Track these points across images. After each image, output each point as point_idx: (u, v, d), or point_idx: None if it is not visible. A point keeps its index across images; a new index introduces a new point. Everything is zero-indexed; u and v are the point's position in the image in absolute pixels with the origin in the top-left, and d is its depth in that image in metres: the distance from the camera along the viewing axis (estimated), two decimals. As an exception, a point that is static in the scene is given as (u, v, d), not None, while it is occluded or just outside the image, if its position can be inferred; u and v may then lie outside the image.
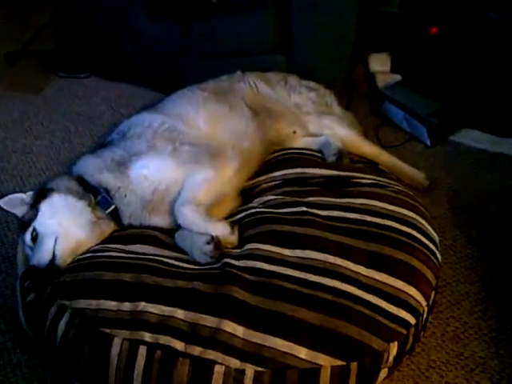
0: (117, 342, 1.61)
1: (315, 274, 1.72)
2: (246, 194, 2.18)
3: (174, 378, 1.55)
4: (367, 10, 3.09)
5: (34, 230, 1.94)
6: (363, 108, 3.18)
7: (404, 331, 1.67)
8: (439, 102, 3.07)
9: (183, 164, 2.06)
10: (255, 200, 2.10)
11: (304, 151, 2.43)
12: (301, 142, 2.52)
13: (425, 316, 1.78)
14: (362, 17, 2.93)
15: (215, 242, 1.85)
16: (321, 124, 2.58)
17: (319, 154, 2.43)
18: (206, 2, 3.04)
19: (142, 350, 1.58)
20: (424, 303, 1.76)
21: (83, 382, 1.69)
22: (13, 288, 2.09)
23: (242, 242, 1.89)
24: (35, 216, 1.97)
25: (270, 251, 1.80)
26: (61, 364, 1.75)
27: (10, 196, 2.06)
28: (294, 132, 2.55)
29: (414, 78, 3.23)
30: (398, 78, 3.31)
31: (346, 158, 2.39)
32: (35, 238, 1.94)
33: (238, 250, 1.86)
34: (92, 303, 1.70)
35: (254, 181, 2.25)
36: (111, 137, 2.28)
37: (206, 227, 1.90)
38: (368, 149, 2.58)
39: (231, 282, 1.70)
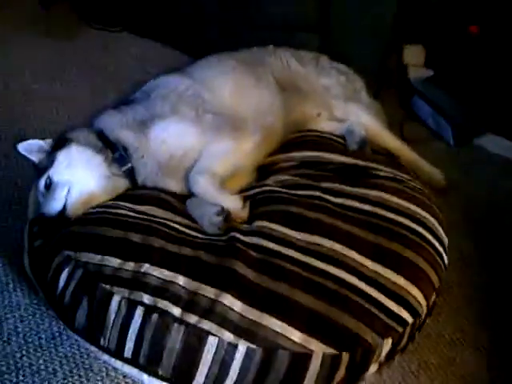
0: (116, 299, 1.62)
1: (319, 259, 1.72)
2: (263, 171, 2.17)
3: (166, 342, 1.56)
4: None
5: (49, 177, 1.95)
6: (391, 99, 3.14)
7: (400, 329, 1.67)
8: (469, 103, 3.03)
9: (204, 132, 2.05)
10: (271, 178, 2.09)
11: (326, 135, 2.41)
12: (324, 125, 2.49)
13: (423, 317, 1.78)
14: (403, 5, 2.89)
15: (225, 214, 1.85)
16: (347, 110, 2.54)
17: (341, 140, 2.40)
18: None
19: (140, 311, 1.60)
20: (424, 304, 1.75)
21: (78, 333, 1.71)
22: (21, 232, 2.11)
23: (252, 218, 1.89)
24: (51, 164, 1.97)
25: (277, 231, 1.80)
26: (58, 312, 1.77)
27: (28, 141, 2.07)
28: (319, 114, 2.52)
29: (447, 76, 3.19)
30: (430, 73, 3.27)
31: (368, 147, 2.37)
32: (49, 185, 1.94)
33: (247, 226, 1.86)
34: (96, 258, 1.71)
35: (272, 158, 2.24)
36: (136, 95, 2.28)
37: (218, 198, 1.90)
38: (390, 141, 2.54)
39: (235, 256, 1.70)
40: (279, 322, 1.56)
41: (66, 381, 1.78)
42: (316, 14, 2.90)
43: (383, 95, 3.05)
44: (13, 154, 2.11)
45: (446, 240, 1.97)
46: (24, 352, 1.85)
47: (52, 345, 1.87)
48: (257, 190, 2.04)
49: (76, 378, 1.79)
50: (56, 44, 3.29)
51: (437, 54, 3.31)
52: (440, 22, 3.27)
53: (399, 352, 1.77)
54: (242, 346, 1.54)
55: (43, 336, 1.89)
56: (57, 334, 1.89)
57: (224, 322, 1.56)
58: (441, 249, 1.90)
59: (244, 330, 1.55)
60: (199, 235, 1.84)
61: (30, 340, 1.88)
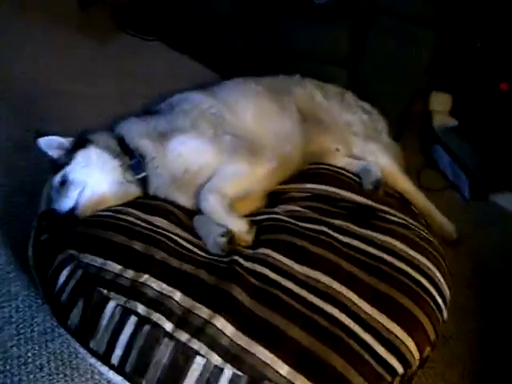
0: (111, 305, 1.64)
1: (317, 296, 1.71)
2: (273, 198, 2.17)
3: (154, 355, 1.56)
4: (443, 48, 3.05)
5: (65, 175, 1.98)
6: (412, 144, 3.14)
7: (389, 378, 1.64)
8: (490, 158, 3.02)
9: (220, 152, 2.07)
10: (280, 206, 2.09)
11: (342, 171, 2.40)
12: (341, 160, 2.48)
13: (414, 368, 1.75)
14: (437, 52, 2.90)
15: (230, 236, 1.86)
16: (366, 148, 2.53)
17: (356, 178, 2.39)
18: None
19: (133, 320, 1.61)
20: (417, 356, 1.73)
21: (70, 332, 1.71)
22: (30, 223, 2.12)
23: (256, 244, 1.89)
24: (69, 162, 2.00)
25: (280, 261, 1.80)
26: (54, 309, 1.77)
27: (50, 137, 2.10)
28: (337, 149, 2.52)
29: (471, 128, 3.18)
30: (454, 122, 3.26)
31: (382, 189, 2.35)
32: (63, 183, 1.97)
33: (250, 251, 1.86)
34: (98, 261, 1.73)
35: (284, 186, 2.24)
36: (160, 106, 2.30)
37: (225, 219, 1.91)
38: (405, 185, 2.52)
39: (234, 281, 1.71)
40: (269, 353, 1.56)
41: (51, 377, 1.81)
42: (347, 49, 2.91)
43: (405, 139, 3.05)
44: (34, 147, 2.14)
45: (447, 294, 1.95)
46: (15, 342, 1.87)
47: (43, 339, 1.90)
48: (265, 216, 2.04)
49: (61, 376, 1.82)
50: (89, 46, 3.35)
51: (464, 104, 3.31)
52: (472, 74, 3.28)
53: (384, 401, 1.75)
54: (229, 371, 1.54)
55: (36, 329, 1.92)
56: (49, 329, 1.92)
57: (214, 344, 1.56)
58: (441, 302, 1.88)
59: (233, 355, 1.55)
60: (202, 253, 1.85)
61: (22, 331, 1.90)
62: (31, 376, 1.80)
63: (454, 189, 2.94)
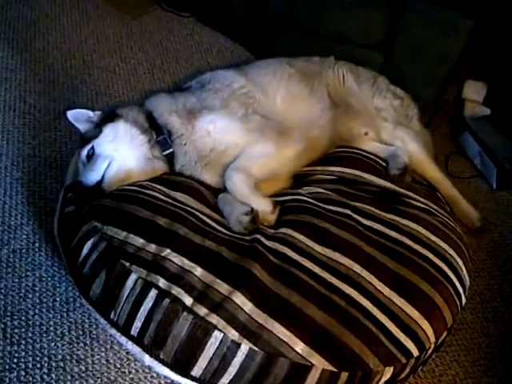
0: (133, 277, 1.67)
1: (337, 277, 1.73)
2: (298, 179, 2.18)
3: (173, 329, 1.59)
4: (480, 36, 3.00)
5: (92, 148, 2.01)
6: (442, 131, 3.10)
7: (404, 360, 1.66)
8: (521, 149, 2.98)
9: (249, 132, 2.08)
10: (305, 188, 2.09)
11: (369, 155, 2.39)
12: (369, 145, 2.46)
13: (429, 352, 1.77)
14: (474, 41, 2.85)
15: (253, 215, 1.88)
16: (395, 134, 2.51)
17: (383, 163, 2.38)
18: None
19: (153, 293, 1.64)
20: (433, 340, 1.74)
21: (91, 303, 1.75)
22: (56, 194, 2.17)
23: (279, 224, 1.91)
24: (97, 136, 2.03)
25: (301, 242, 1.81)
26: (76, 279, 1.81)
27: (78, 110, 2.13)
28: (366, 134, 2.50)
29: (504, 118, 3.13)
30: (487, 111, 3.21)
31: (409, 175, 2.34)
32: (91, 156, 2.00)
33: (272, 231, 1.88)
34: (122, 234, 1.76)
35: (310, 168, 2.24)
36: (190, 83, 2.32)
37: (249, 198, 1.93)
38: (433, 173, 2.50)
39: (255, 258, 1.73)
40: (285, 331, 1.58)
41: (71, 346, 1.85)
42: (382, 32, 2.87)
43: (436, 125, 3.02)
44: (62, 118, 2.17)
45: (467, 281, 1.94)
46: (37, 311, 1.92)
47: (64, 309, 1.94)
48: (289, 197, 2.05)
49: (81, 345, 1.86)
50: (124, 18, 3.34)
51: (498, 94, 3.25)
52: (508, 64, 3.22)
53: (399, 382, 1.76)
54: (245, 346, 1.56)
55: (58, 299, 1.96)
56: (71, 299, 1.96)
57: (232, 319, 1.59)
58: (460, 289, 1.88)
59: (250, 331, 1.58)
60: (224, 231, 1.87)
61: (44, 300, 1.95)
62: (52, 344, 1.85)
63: (481, 177, 2.90)
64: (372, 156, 2.40)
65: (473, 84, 3.28)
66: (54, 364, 1.80)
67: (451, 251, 1.93)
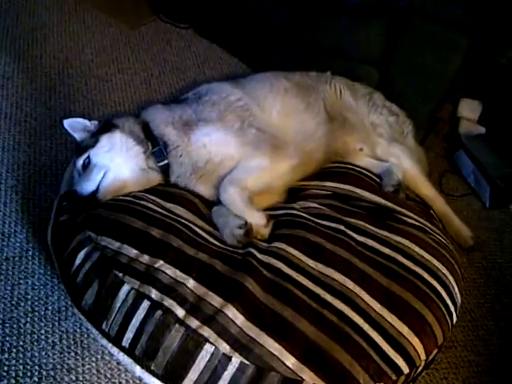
0: (125, 288, 1.67)
1: (329, 293, 1.73)
2: (293, 193, 2.18)
3: (164, 340, 1.59)
4: (477, 54, 3.02)
5: (88, 157, 2.01)
6: (437, 148, 3.13)
7: (394, 377, 1.66)
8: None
9: (244, 145, 2.09)
10: (299, 202, 2.10)
11: (364, 171, 2.40)
12: (364, 161, 2.48)
13: (419, 369, 1.77)
14: (469, 59, 2.87)
15: (247, 228, 1.88)
16: (389, 150, 2.52)
17: (377, 180, 2.39)
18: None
19: (145, 305, 1.64)
20: (423, 357, 1.74)
21: (83, 312, 1.75)
22: (51, 203, 2.17)
23: (272, 238, 1.91)
24: (93, 145, 2.03)
25: (294, 256, 1.82)
26: (69, 289, 1.80)
27: (75, 119, 2.14)
28: (361, 149, 2.51)
29: (498, 137, 3.15)
30: (482, 130, 3.23)
31: (403, 191, 2.34)
32: (86, 165, 2.00)
33: (266, 245, 1.88)
34: (115, 244, 1.76)
35: (304, 183, 2.25)
36: (187, 95, 2.33)
37: (243, 212, 1.93)
38: (426, 190, 2.51)
39: (248, 272, 1.73)
40: (277, 345, 1.58)
41: (62, 355, 1.85)
42: (380, 49, 2.89)
43: (430, 143, 3.05)
44: (58, 127, 2.17)
45: (459, 300, 1.95)
46: (29, 319, 1.92)
47: (56, 318, 1.94)
48: (283, 211, 2.05)
49: (72, 354, 1.86)
50: (122, 28, 3.36)
51: (493, 113, 3.27)
52: (503, 83, 3.25)
53: (388, 399, 1.76)
54: (236, 360, 1.56)
55: (50, 308, 1.96)
56: (63, 308, 1.96)
57: (224, 332, 1.59)
58: (452, 307, 1.88)
59: (241, 344, 1.58)
60: (218, 244, 1.87)
61: (36, 309, 1.95)
62: (43, 353, 1.84)
63: (474, 195, 2.92)
64: (366, 172, 2.41)
65: (468, 102, 3.31)
66: (44, 373, 1.79)
67: (443, 269, 1.94)
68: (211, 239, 1.88)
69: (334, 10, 2.96)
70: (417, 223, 2.11)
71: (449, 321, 1.86)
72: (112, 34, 3.31)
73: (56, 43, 3.14)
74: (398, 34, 2.82)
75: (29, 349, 1.85)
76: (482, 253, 2.59)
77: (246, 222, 1.89)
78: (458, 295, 1.95)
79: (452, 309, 1.88)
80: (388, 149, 2.53)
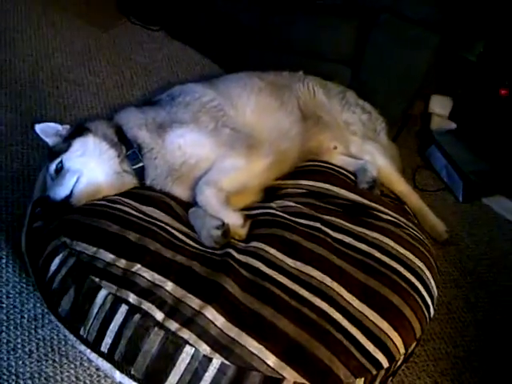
0: (103, 293, 1.65)
1: (308, 290, 1.73)
2: (269, 193, 2.18)
3: (144, 344, 1.58)
4: (446, 51, 3.06)
5: (61, 162, 1.98)
6: (409, 145, 3.16)
7: (374, 371, 1.67)
8: (485, 162, 3.04)
9: (219, 145, 2.08)
10: (276, 201, 2.10)
11: (338, 169, 2.41)
12: (338, 159, 2.49)
13: (399, 363, 1.79)
14: (439, 56, 2.90)
15: (225, 229, 1.87)
16: (363, 148, 2.54)
17: (352, 177, 2.41)
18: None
19: (123, 309, 1.62)
20: (402, 351, 1.75)
21: (60, 319, 1.73)
22: (24, 209, 2.14)
23: (250, 237, 1.91)
24: (65, 150, 2.01)
25: (273, 255, 1.82)
26: (45, 296, 1.79)
27: (47, 124, 2.12)
28: (335, 147, 2.53)
29: (469, 132, 3.19)
30: (453, 126, 3.27)
31: (377, 188, 2.36)
32: (59, 170, 1.98)
33: (243, 245, 1.88)
34: (91, 249, 1.74)
35: (280, 182, 2.25)
36: (160, 97, 2.32)
37: (220, 212, 1.92)
38: (400, 186, 2.54)
39: (226, 273, 1.72)
40: (257, 344, 1.58)
41: (39, 363, 1.82)
42: (351, 48, 2.91)
43: (402, 140, 3.07)
44: (30, 132, 2.14)
45: (435, 293, 1.97)
46: (4, 328, 1.89)
47: (33, 326, 1.91)
48: (260, 210, 2.05)
49: (50, 362, 1.83)
50: (93, 31, 3.34)
51: (463, 108, 3.31)
52: (473, 79, 3.28)
53: (369, 394, 1.77)
54: (217, 361, 1.56)
55: (26, 316, 1.93)
56: (39, 316, 1.93)
57: (203, 334, 1.58)
58: (429, 300, 1.90)
59: (222, 345, 1.57)
60: (195, 245, 1.86)
61: (12, 317, 1.91)
62: (20, 362, 1.81)
63: (447, 190, 2.96)
64: (341, 170, 2.43)
65: (439, 99, 3.35)
66: (21, 382, 1.76)
67: (419, 263, 1.96)
68: (189, 241, 1.87)
69: (304, 10, 2.97)
70: (392, 219, 2.13)
71: (426, 314, 1.88)
72: (82, 37, 3.28)
73: (25, 47, 3.10)
74: (369, 32, 2.84)
75: (5, 358, 1.81)
76: (457, 246, 2.63)
77: (223, 223, 1.88)
78: (435, 288, 1.97)
79: (429, 302, 1.90)
80: (362, 146, 2.55)
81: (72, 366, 1.83)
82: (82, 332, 1.66)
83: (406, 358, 1.85)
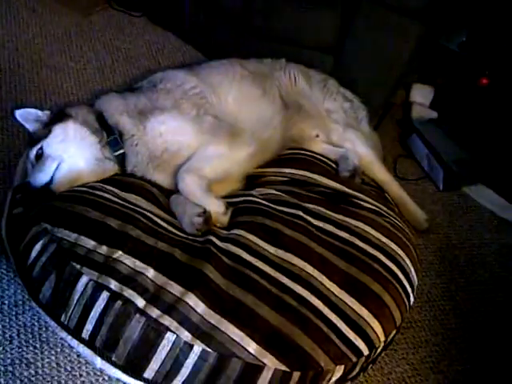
0: (84, 279, 1.65)
1: (289, 277, 1.74)
2: (251, 180, 2.19)
3: (125, 331, 1.59)
4: (427, 40, 3.07)
5: (41, 148, 1.97)
6: (391, 133, 3.17)
7: (354, 358, 1.69)
8: (466, 151, 3.06)
9: (201, 133, 2.08)
10: (257, 189, 2.11)
11: (320, 157, 2.42)
12: (320, 147, 2.50)
13: (379, 350, 1.81)
14: (422, 46, 2.91)
15: (206, 216, 1.88)
16: (344, 136, 2.54)
17: (334, 165, 2.42)
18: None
19: (104, 296, 1.62)
20: (382, 338, 1.77)
21: (41, 306, 1.73)
22: (4, 196, 2.12)
23: (232, 225, 1.92)
24: (46, 136, 1.99)
25: (254, 243, 1.82)
26: (25, 282, 1.78)
27: (27, 109, 2.10)
28: (317, 136, 2.53)
29: (450, 121, 3.21)
30: (434, 114, 3.28)
31: (358, 176, 2.38)
32: (39, 156, 1.96)
33: (225, 232, 1.89)
34: (72, 236, 1.73)
35: (262, 170, 2.26)
36: (141, 83, 2.30)
37: (202, 200, 1.93)
38: (381, 175, 2.55)
39: (207, 260, 1.73)
40: (238, 331, 1.59)
41: (20, 349, 1.81)
42: (333, 36, 2.90)
43: (383, 128, 3.08)
44: (10, 118, 2.11)
45: (415, 281, 1.99)
46: (-16, 314, 1.87)
47: (13, 312, 1.89)
48: (241, 198, 2.06)
49: (31, 348, 1.82)
50: (73, 16, 3.29)
51: (444, 97, 3.33)
52: (453, 68, 3.30)
53: (349, 381, 1.79)
54: (198, 348, 1.56)
55: (6, 302, 1.91)
56: (20, 302, 1.92)
57: (185, 321, 1.59)
58: (409, 288, 1.92)
59: (203, 332, 1.58)
60: (177, 232, 1.86)
61: (-8, 303, 1.90)
62: (0, 348, 1.80)
63: (428, 179, 2.98)
64: (323, 158, 2.44)
65: (420, 87, 3.36)
66: (2, 368, 1.75)
67: (400, 251, 1.98)
68: (170, 228, 1.87)
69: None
70: (373, 207, 2.14)
71: (406, 302, 1.90)
72: (63, 23, 3.23)
73: (5, 33, 3.05)
74: (350, 20, 2.84)
75: (-15, 345, 1.81)
76: (437, 235, 2.65)
77: (205, 210, 1.89)
78: (415, 277, 1.99)
79: (409, 290, 1.92)
80: (343, 135, 2.56)
81: (53, 352, 1.83)
82: (62, 318, 1.66)
83: (386, 346, 1.87)
